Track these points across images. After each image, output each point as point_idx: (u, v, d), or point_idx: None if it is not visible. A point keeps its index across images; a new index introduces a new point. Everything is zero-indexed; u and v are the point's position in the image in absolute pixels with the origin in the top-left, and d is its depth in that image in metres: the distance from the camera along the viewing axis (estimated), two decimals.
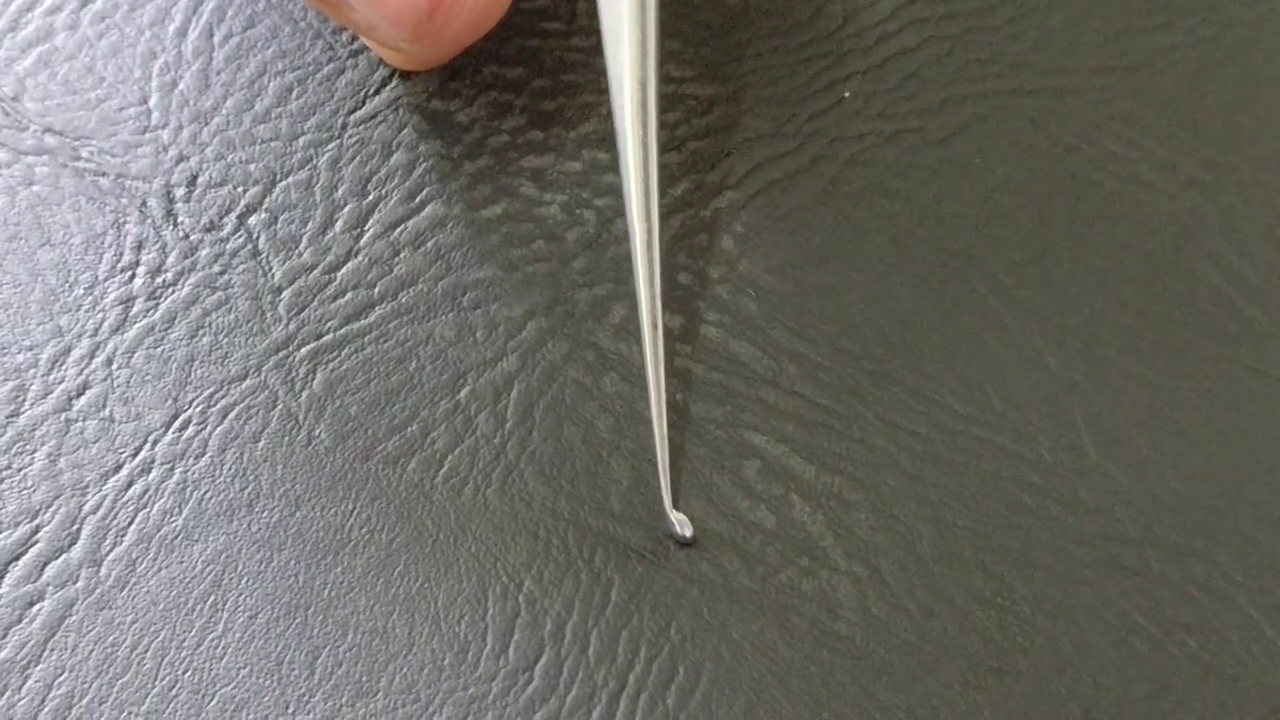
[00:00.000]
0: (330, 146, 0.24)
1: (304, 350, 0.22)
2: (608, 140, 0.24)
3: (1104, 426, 0.22)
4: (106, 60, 0.24)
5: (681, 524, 0.21)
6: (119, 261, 0.23)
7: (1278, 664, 0.21)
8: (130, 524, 0.21)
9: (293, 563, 0.21)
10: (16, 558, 0.21)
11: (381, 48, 0.23)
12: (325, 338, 0.22)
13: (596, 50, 0.25)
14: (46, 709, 0.20)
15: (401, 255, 0.23)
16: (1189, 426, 0.22)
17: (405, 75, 0.25)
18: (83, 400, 0.22)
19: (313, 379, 0.22)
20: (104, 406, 0.22)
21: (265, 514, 0.21)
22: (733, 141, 0.24)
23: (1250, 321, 0.23)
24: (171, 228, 0.23)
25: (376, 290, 0.23)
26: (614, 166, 0.24)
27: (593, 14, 0.25)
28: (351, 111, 0.24)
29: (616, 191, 0.24)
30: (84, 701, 0.20)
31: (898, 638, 0.21)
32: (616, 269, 0.23)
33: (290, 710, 0.20)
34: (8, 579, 0.21)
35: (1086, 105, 0.24)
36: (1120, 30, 0.25)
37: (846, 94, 0.24)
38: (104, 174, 0.23)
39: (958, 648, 0.21)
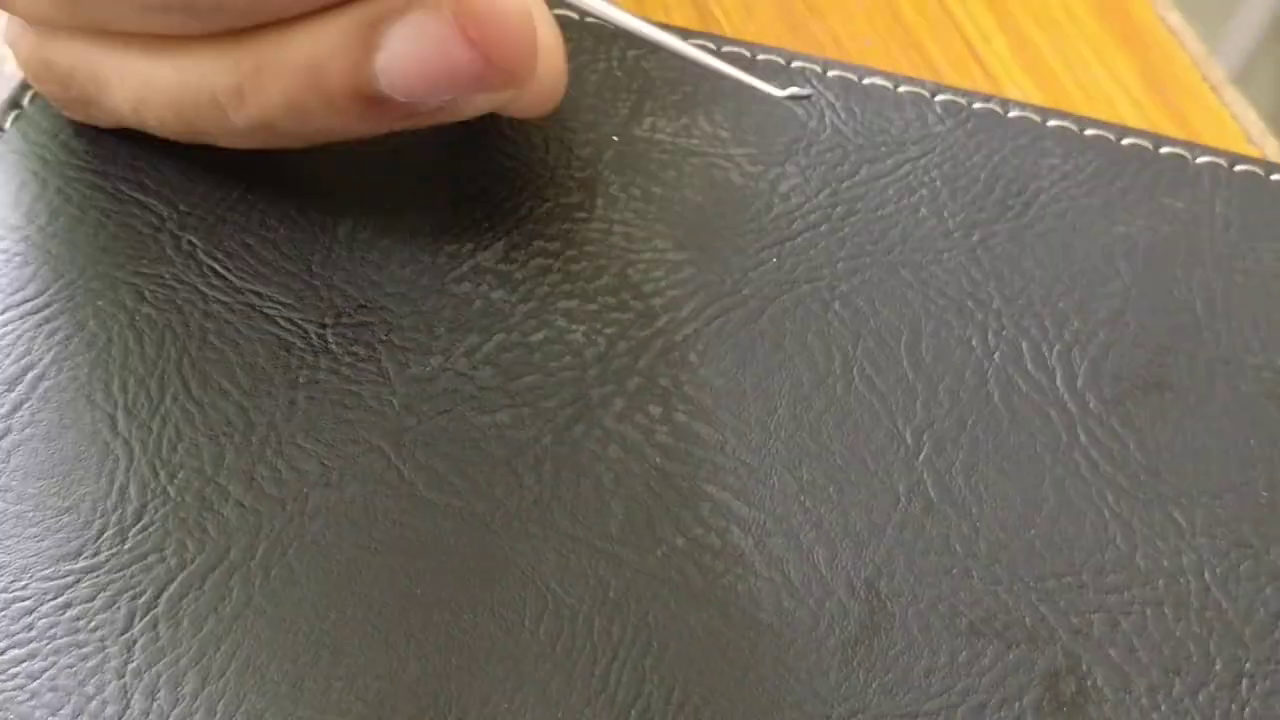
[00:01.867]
0: (431, 297, 0.25)
1: (410, 430, 0.23)
2: (614, 290, 0.25)
3: (942, 480, 0.23)
4: (284, 241, 0.25)
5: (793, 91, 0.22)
6: (288, 371, 0.24)
7: (1057, 640, 0.21)
8: (290, 545, 0.22)
9: (398, 572, 0.22)
10: (215, 566, 0.21)
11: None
12: (425, 423, 0.23)
13: (609, 230, 0.26)
14: (233, 667, 0.21)
15: (477, 369, 0.24)
16: (997, 482, 0.23)
17: (485, 247, 0.25)
18: (262, 462, 0.23)
19: (416, 449, 0.23)
20: (276, 466, 0.23)
21: (381, 539, 0.22)
22: (698, 289, 0.25)
23: (1042, 410, 0.23)
24: (324, 349, 0.24)
25: (460, 392, 0.24)
26: (618, 306, 0.25)
27: (609, 205, 0.26)
28: (448, 273, 0.25)
29: (620, 323, 0.24)
30: (257, 662, 0.21)
31: (800, 622, 0.21)
32: (617, 374, 0.24)
33: (393, 669, 0.21)
34: (209, 580, 0.21)
35: (935, 266, 0.25)
36: (957, 217, 0.26)
37: (774, 259, 0.25)
38: (280, 314, 0.24)
39: (840, 629, 0.21)
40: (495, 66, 0.22)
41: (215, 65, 0.23)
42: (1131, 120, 0.28)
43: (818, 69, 0.28)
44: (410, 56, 0.22)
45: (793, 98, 0.22)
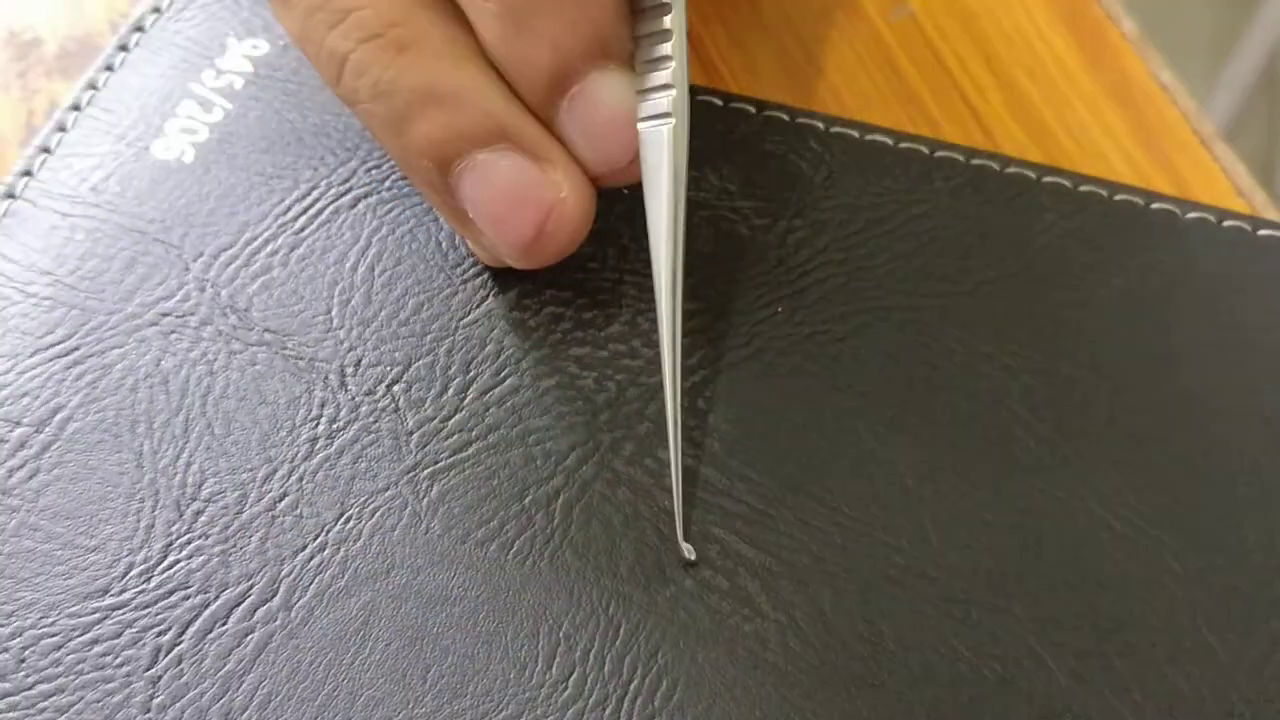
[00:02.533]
0: (446, 341, 0.25)
1: (425, 472, 0.23)
2: (624, 338, 0.25)
3: (942, 524, 0.23)
4: (305, 285, 0.26)
5: (689, 551, 0.22)
6: (309, 414, 0.24)
7: (1054, 682, 0.22)
8: (311, 584, 0.22)
9: (414, 610, 0.22)
10: (238, 604, 0.22)
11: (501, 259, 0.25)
12: (440, 463, 0.24)
13: (620, 279, 0.26)
14: (254, 703, 0.21)
15: (490, 410, 0.24)
16: (997, 524, 0.23)
17: (498, 294, 0.26)
18: (283, 503, 0.23)
19: (431, 490, 0.23)
20: (296, 508, 0.23)
21: (397, 578, 0.22)
22: (706, 339, 0.25)
23: (1039, 457, 0.24)
24: (344, 393, 0.24)
25: (474, 433, 0.24)
26: (628, 354, 0.25)
27: (620, 256, 0.26)
28: (461, 318, 0.25)
29: (630, 370, 0.25)
30: (277, 699, 0.21)
31: (806, 662, 0.22)
32: (627, 419, 0.24)
33: (410, 706, 0.21)
34: (232, 618, 0.22)
35: (934, 316, 0.26)
36: (955, 269, 0.26)
37: (780, 309, 0.26)
38: (301, 358, 0.25)
39: (845, 669, 0.22)
40: (530, 252, 0.24)
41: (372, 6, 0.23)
42: (1124, 172, 0.29)
43: (820, 126, 0.28)
44: (491, 182, 0.23)
45: (687, 558, 0.23)
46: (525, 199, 0.23)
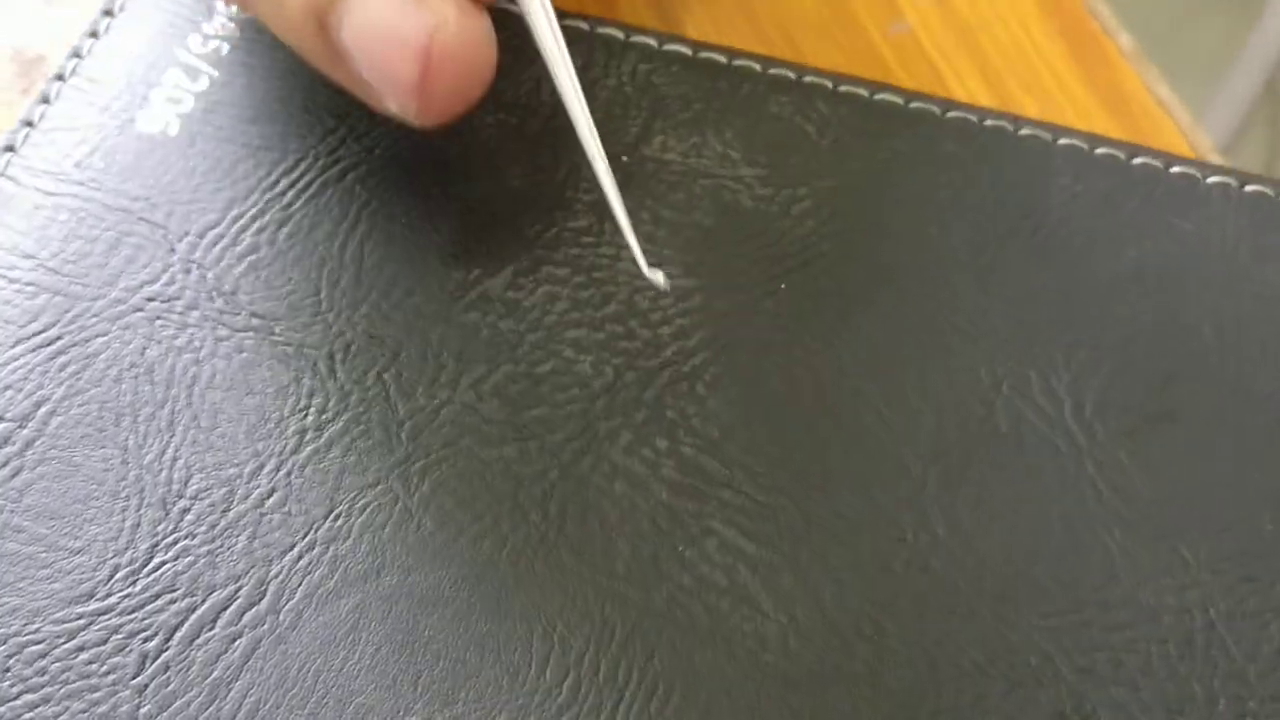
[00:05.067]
0: (439, 326, 0.24)
1: (417, 465, 0.23)
2: (621, 318, 0.24)
3: (948, 516, 0.22)
4: (293, 266, 0.25)
5: (663, 279, 0.23)
6: (298, 404, 0.23)
7: (1061, 679, 0.21)
8: (300, 585, 0.21)
9: (405, 612, 0.21)
10: (225, 608, 0.21)
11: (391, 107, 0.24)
12: (432, 456, 0.23)
13: (617, 255, 0.25)
14: (242, 711, 0.20)
15: (484, 401, 0.23)
16: (1004, 516, 0.22)
17: (492, 274, 0.25)
18: (271, 500, 0.22)
19: (423, 485, 0.22)
20: (285, 504, 0.22)
21: (388, 578, 0.22)
22: (706, 318, 0.24)
23: (1048, 440, 0.23)
24: (333, 381, 0.24)
25: (467, 424, 0.23)
26: (625, 335, 0.24)
27: (617, 229, 0.24)
28: (454, 303, 0.24)
29: (628, 352, 0.24)
30: (266, 707, 0.21)
31: (806, 663, 0.21)
32: (624, 406, 0.23)
33: (400, 713, 0.20)
34: (219, 623, 0.21)
35: (945, 291, 0.24)
36: (967, 239, 0.25)
37: (783, 285, 0.25)
38: (290, 344, 0.24)
39: (846, 670, 0.21)
40: (424, 95, 0.22)
41: None
42: None
43: (829, 85, 0.27)
44: (364, 22, 0.22)
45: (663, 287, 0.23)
46: (400, 31, 0.22)
